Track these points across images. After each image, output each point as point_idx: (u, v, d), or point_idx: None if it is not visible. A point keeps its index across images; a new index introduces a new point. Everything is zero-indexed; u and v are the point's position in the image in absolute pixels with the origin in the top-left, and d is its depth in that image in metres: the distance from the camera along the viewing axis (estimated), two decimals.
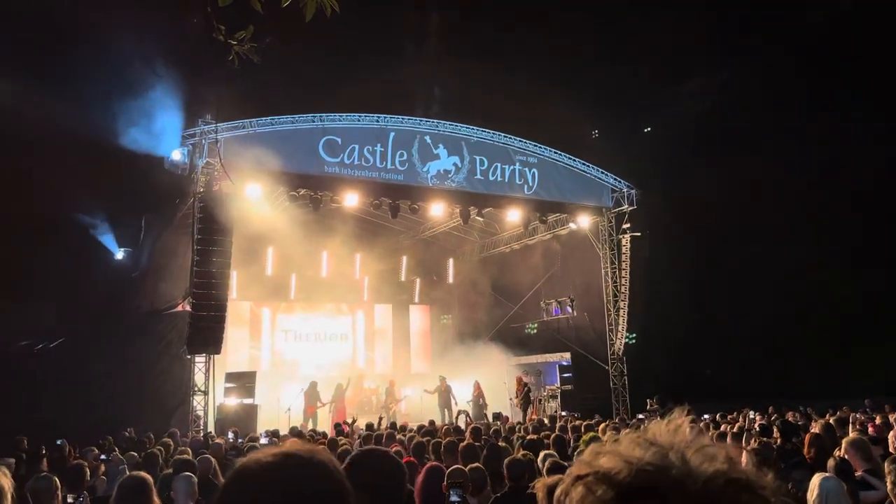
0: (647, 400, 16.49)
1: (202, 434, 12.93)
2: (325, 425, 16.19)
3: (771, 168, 20.29)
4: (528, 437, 7.90)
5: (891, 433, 6.17)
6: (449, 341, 24.41)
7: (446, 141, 16.75)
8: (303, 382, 18.66)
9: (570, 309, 19.89)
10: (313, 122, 15.22)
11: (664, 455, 0.77)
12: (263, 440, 9.81)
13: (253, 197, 15.67)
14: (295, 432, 11.61)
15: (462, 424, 13.75)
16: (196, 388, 14.41)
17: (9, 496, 2.27)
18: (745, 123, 21.88)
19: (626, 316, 18.48)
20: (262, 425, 14.77)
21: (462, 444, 6.52)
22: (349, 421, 13.63)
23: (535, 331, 21.48)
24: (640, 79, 25.11)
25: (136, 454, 7.77)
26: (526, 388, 18.75)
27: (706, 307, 19.43)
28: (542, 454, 5.88)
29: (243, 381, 16.44)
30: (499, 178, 17.32)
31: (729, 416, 12.19)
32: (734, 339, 19.07)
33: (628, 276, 18.50)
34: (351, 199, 16.13)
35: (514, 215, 18.15)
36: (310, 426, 16.11)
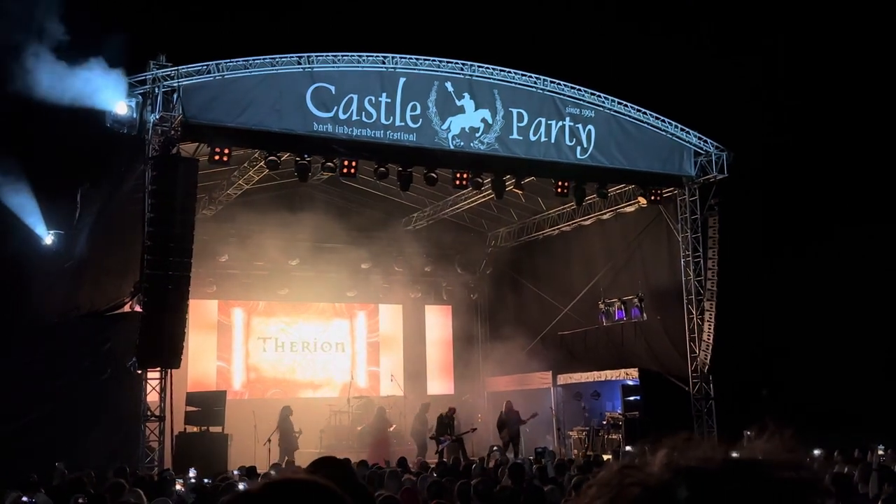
0: (745, 432, 16.40)
1: (156, 471, 13.14)
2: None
3: None
4: (578, 479, 7.93)
5: None
6: (476, 352, 24.48)
7: (474, 88, 16.71)
8: (287, 405, 18.85)
9: (637, 311, 19.82)
10: (299, 64, 15.26)
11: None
12: (239, 486, 9.79)
13: (221, 163, 15.78)
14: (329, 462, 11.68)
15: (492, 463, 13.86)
16: (149, 413, 14.62)
17: None
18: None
19: (713, 321, 18.38)
20: (235, 461, 14.96)
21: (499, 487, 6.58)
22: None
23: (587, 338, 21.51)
24: None
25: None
26: (515, 418, 18.93)
27: (825, 311, 19.16)
28: None
29: (209, 404, 16.69)
30: (542, 138, 17.25)
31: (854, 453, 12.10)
32: (861, 353, 18.83)
33: (717, 267, 18.38)
34: (348, 167, 16.18)
35: (563, 187, 18.09)
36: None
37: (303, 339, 22.98)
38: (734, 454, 1.01)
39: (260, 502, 1.18)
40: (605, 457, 14.66)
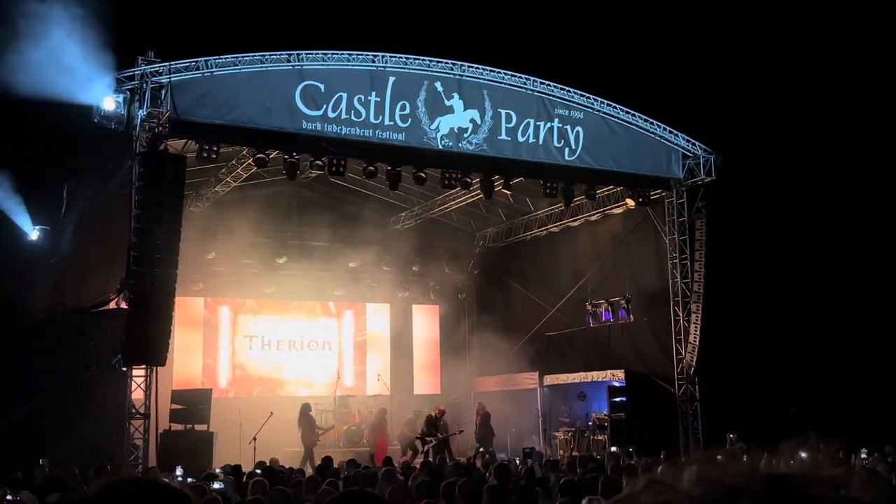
0: (728, 435, 16.51)
1: (140, 469, 13.12)
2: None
3: None
4: (565, 479, 7.96)
5: None
6: (463, 352, 24.50)
7: (463, 88, 16.74)
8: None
9: (624, 313, 19.89)
10: (288, 61, 15.25)
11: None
12: (217, 485, 9.70)
13: (209, 160, 15.76)
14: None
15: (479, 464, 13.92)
16: (133, 411, 14.58)
17: None
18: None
19: (700, 323, 18.47)
20: (220, 459, 14.94)
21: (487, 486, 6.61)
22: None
23: (574, 339, 21.60)
24: None
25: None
26: (484, 418, 19.32)
27: (818, 312, 19.23)
28: (585, 501, 5.96)
29: (195, 402, 16.66)
30: (531, 139, 17.30)
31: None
32: (847, 355, 18.92)
33: (704, 269, 18.47)
34: (336, 164, 16.18)
35: (551, 188, 18.13)
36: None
37: (289, 338, 22.90)
38: (773, 471, 0.95)
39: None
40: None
